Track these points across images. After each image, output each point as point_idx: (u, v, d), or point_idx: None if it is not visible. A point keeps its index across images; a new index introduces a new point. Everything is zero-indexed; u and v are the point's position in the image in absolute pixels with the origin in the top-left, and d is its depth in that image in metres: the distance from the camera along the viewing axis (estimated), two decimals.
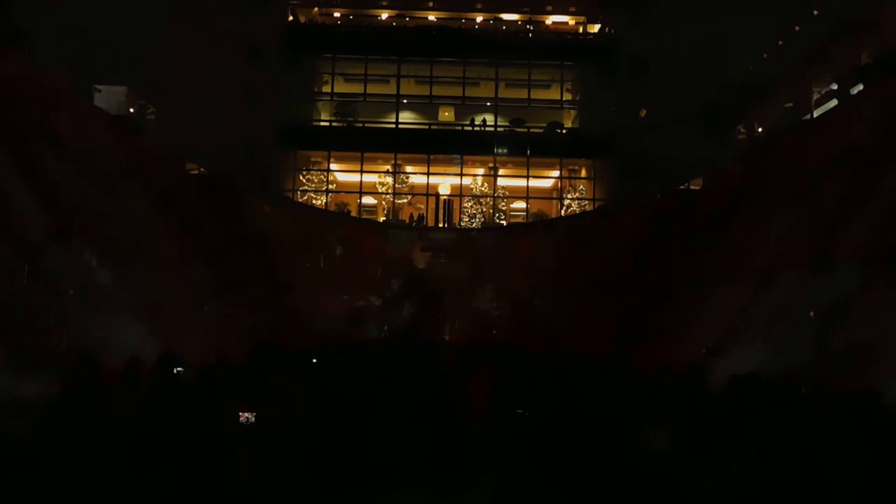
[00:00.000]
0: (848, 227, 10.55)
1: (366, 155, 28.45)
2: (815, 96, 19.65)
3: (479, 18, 30.99)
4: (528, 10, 30.78)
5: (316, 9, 30.88)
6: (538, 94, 29.46)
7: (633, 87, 24.83)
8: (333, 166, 29.35)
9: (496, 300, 22.49)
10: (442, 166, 29.23)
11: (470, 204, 28.75)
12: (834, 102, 17.80)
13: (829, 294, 10.44)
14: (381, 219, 28.39)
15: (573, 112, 30.23)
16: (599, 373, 6.11)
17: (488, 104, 29.09)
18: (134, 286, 11.60)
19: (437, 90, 29.40)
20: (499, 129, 28.88)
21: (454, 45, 28.23)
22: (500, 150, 28.43)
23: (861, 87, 15.82)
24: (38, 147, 10.64)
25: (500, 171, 29.17)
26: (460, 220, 28.03)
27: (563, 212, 28.55)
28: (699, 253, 14.92)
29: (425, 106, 29.56)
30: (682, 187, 22.06)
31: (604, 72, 26.84)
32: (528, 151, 28.17)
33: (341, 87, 29.48)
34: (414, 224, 27.18)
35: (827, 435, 3.33)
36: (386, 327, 23.67)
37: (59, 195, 10.73)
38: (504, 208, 29.15)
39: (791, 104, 20.51)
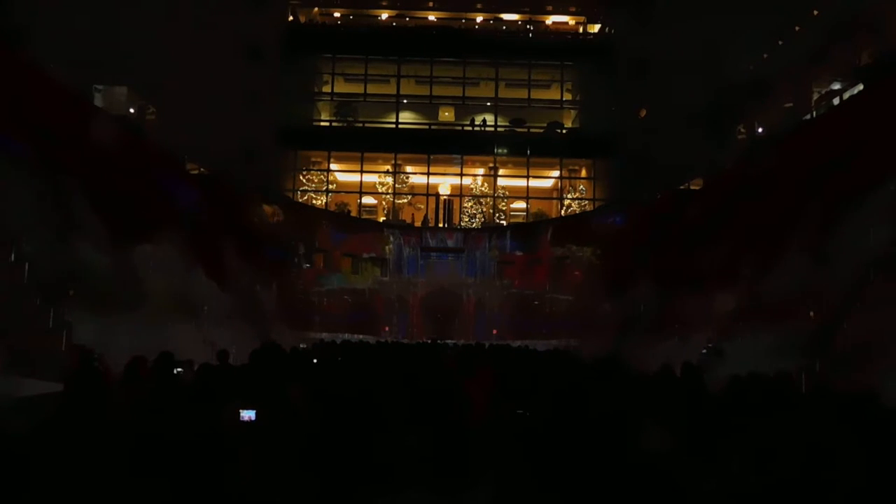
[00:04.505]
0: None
1: (366, 155, 28.45)
2: (815, 96, 19.64)
3: (479, 18, 30.99)
4: (528, 10, 30.78)
5: (316, 9, 30.87)
6: (538, 94, 29.45)
7: (633, 87, 24.83)
8: (333, 166, 29.35)
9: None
10: (442, 166, 29.23)
11: (470, 204, 28.75)
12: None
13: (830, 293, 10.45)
14: (381, 219, 28.39)
15: (573, 112, 30.22)
16: (599, 372, 6.10)
17: (488, 104, 29.09)
18: None
19: (437, 90, 29.40)
20: (499, 129, 28.88)
21: (454, 45, 28.22)
22: (500, 150, 28.43)
23: (861, 87, 15.84)
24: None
25: (500, 171, 29.16)
26: (460, 220, 28.03)
27: (563, 212, 28.55)
28: (698, 252, 14.91)
29: (425, 106, 29.55)
30: (682, 187, 22.09)
31: (604, 72, 26.82)
32: (528, 151, 28.17)
33: (341, 87, 29.48)
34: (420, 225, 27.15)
35: (826, 435, 3.33)
36: (387, 328, 23.73)
37: None
38: (504, 208, 29.15)
39: (791, 104, 20.50)
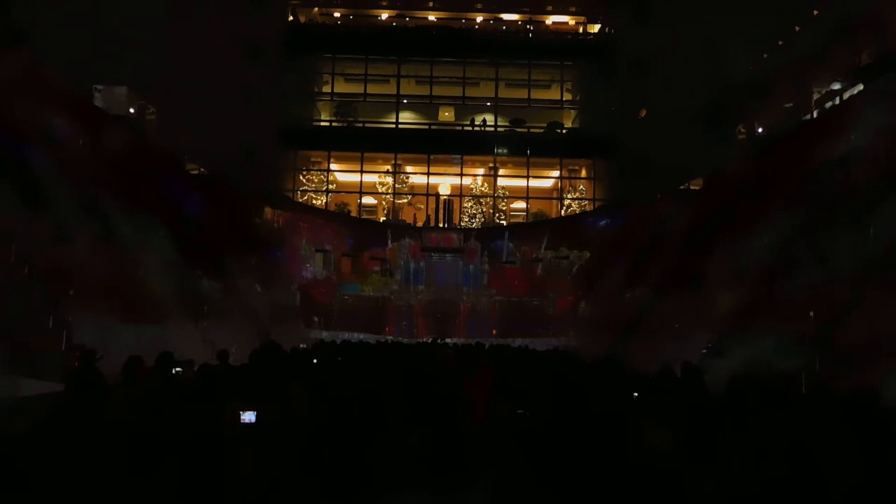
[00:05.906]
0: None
1: (366, 155, 28.44)
2: (815, 96, 19.64)
3: (479, 18, 30.97)
4: (528, 10, 30.77)
5: (316, 9, 30.86)
6: (538, 94, 29.44)
7: (633, 87, 24.81)
8: (333, 166, 29.34)
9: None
10: (442, 166, 29.22)
11: (470, 204, 28.74)
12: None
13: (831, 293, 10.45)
14: (381, 219, 28.38)
15: (573, 112, 30.21)
16: (599, 373, 6.10)
17: (488, 104, 29.07)
18: None
19: (437, 90, 29.39)
20: (499, 129, 28.86)
21: (454, 45, 28.20)
22: (500, 150, 28.42)
23: (861, 87, 15.84)
24: None
25: (500, 171, 29.15)
26: (460, 220, 28.02)
27: (563, 212, 28.54)
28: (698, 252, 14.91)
29: (425, 106, 29.54)
30: (682, 187, 22.09)
31: (604, 72, 26.82)
32: (528, 151, 28.16)
33: (341, 87, 29.47)
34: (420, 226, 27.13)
35: (826, 435, 3.33)
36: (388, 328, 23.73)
37: None
38: (504, 208, 29.14)
39: (791, 104, 20.49)
